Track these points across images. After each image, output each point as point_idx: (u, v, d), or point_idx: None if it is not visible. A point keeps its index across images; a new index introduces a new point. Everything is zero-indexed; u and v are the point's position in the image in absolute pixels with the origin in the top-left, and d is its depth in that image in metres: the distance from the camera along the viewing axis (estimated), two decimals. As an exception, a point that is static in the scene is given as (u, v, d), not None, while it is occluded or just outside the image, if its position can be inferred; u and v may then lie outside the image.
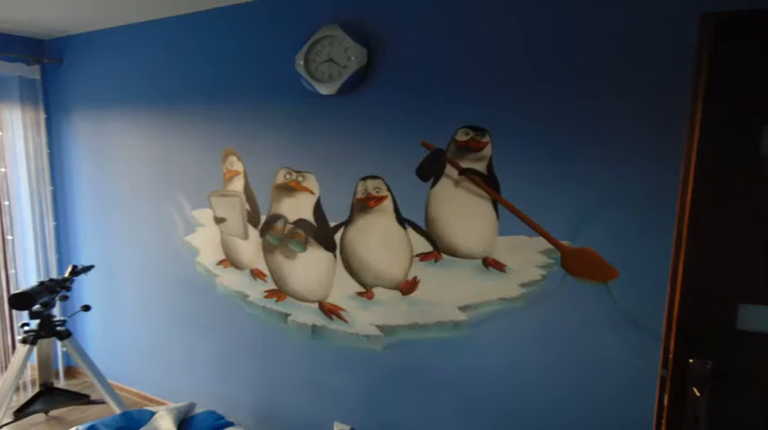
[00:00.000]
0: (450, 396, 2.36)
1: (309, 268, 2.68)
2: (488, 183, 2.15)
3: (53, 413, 3.31)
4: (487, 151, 2.14)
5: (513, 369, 2.19)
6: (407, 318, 2.42)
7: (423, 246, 2.34)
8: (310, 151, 2.59)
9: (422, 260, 2.35)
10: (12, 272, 3.58)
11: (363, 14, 2.35)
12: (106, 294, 3.60)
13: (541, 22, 1.98)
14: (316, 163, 2.59)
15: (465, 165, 2.19)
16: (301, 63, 2.45)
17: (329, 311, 2.65)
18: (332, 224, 2.58)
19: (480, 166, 2.16)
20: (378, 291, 2.49)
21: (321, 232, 2.61)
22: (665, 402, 1.49)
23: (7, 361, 3.62)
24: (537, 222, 2.07)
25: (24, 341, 2.83)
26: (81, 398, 3.13)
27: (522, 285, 2.13)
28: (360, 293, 2.54)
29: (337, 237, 2.57)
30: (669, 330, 1.48)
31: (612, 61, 1.87)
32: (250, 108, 2.76)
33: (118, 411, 2.77)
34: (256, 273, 2.88)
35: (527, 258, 2.10)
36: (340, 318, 2.61)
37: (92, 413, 3.28)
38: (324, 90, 2.42)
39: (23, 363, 2.81)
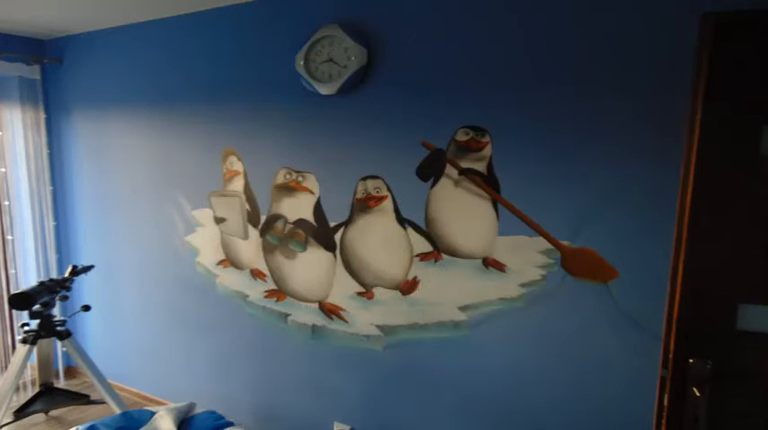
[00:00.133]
0: (450, 396, 2.36)
1: (309, 268, 2.68)
2: (488, 183, 2.15)
3: (53, 413, 3.31)
4: (487, 151, 2.14)
5: (513, 369, 2.19)
6: (407, 318, 2.42)
7: (423, 246, 2.34)
8: (310, 151, 2.59)
9: (422, 260, 2.35)
10: (12, 272, 3.58)
11: (363, 14, 2.35)
12: (106, 294, 3.60)
13: (541, 22, 1.98)
14: (316, 163, 2.59)
15: (465, 165, 2.19)
16: (301, 63, 2.45)
17: (329, 311, 2.65)
18: (332, 224, 2.58)
19: (480, 166, 2.16)
20: (378, 291, 2.49)
21: (321, 232, 2.61)
22: (665, 402, 1.49)
23: (7, 361, 3.62)
24: (537, 222, 2.07)
25: (24, 341, 2.83)
26: (81, 398, 3.13)
27: (522, 285, 2.13)
28: (360, 293, 2.54)
29: (337, 237, 2.57)
30: (669, 330, 1.48)
31: (612, 61, 1.87)
32: (250, 108, 2.76)
33: (118, 411, 2.77)
34: (256, 273, 2.88)
35: (527, 258, 2.10)
36: (340, 317, 2.61)
37: (92, 413, 3.28)
38: (324, 90, 2.42)
39: (23, 363, 2.81)
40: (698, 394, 1.41)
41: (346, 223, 2.53)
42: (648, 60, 1.81)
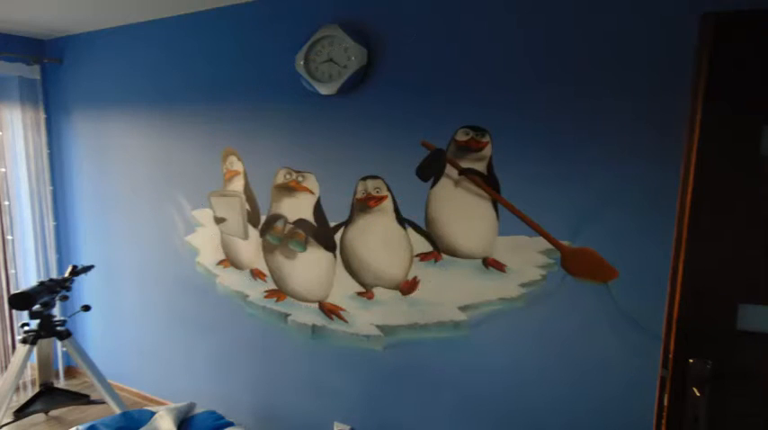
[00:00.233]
0: (450, 396, 2.36)
1: (309, 268, 2.68)
2: (488, 183, 2.15)
3: (53, 413, 3.31)
4: (487, 151, 2.14)
5: (513, 369, 2.19)
6: (407, 317, 2.42)
7: (423, 246, 2.34)
8: (310, 151, 2.59)
9: (422, 260, 2.35)
10: (12, 272, 3.58)
11: (363, 14, 2.35)
12: (106, 294, 3.60)
13: (541, 22, 1.98)
14: (316, 163, 2.59)
15: (465, 165, 2.19)
16: (301, 63, 2.45)
17: (329, 311, 2.65)
18: (332, 224, 2.58)
19: (480, 166, 2.16)
20: (378, 291, 2.49)
21: (321, 232, 2.61)
22: (665, 402, 1.49)
23: (7, 361, 3.62)
24: (537, 222, 2.07)
25: (24, 341, 2.83)
26: (81, 398, 3.13)
27: (522, 285, 2.13)
28: (360, 293, 2.54)
29: (337, 237, 2.57)
30: (669, 330, 1.48)
31: (612, 61, 1.87)
32: (250, 108, 2.76)
33: (118, 411, 2.77)
34: (256, 273, 2.88)
35: (527, 258, 2.10)
36: (340, 317, 2.61)
37: (92, 413, 3.28)
38: (324, 90, 2.42)
39: (23, 363, 2.81)
40: (698, 394, 1.41)
41: (346, 223, 2.53)
42: (648, 60, 1.81)
